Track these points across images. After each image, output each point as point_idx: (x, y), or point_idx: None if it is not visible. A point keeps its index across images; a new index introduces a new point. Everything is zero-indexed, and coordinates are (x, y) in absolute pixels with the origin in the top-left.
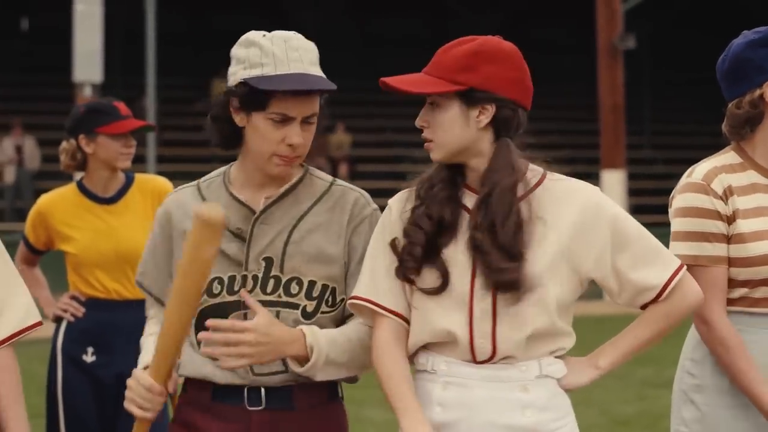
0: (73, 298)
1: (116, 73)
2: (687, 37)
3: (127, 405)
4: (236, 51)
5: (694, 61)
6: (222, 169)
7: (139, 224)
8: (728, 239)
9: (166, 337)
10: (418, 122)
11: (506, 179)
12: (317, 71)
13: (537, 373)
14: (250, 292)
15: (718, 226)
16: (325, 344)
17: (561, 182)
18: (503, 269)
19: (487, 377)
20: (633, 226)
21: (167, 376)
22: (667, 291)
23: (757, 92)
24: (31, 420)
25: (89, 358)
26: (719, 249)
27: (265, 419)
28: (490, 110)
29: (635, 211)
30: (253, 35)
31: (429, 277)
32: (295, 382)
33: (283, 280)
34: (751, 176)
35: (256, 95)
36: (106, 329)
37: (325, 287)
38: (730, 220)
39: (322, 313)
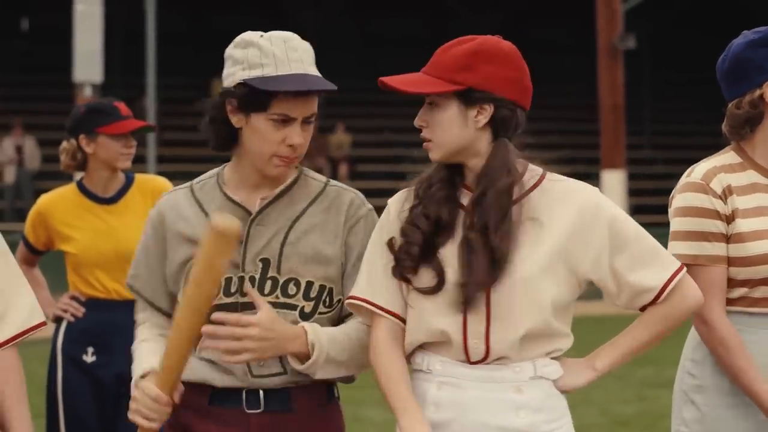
0: (73, 298)
1: (116, 73)
2: (687, 37)
3: (132, 416)
4: (233, 52)
5: (694, 61)
6: (215, 170)
7: (139, 224)
8: (727, 239)
9: (175, 345)
10: (416, 122)
11: (501, 180)
12: (316, 71)
13: (531, 374)
14: (235, 293)
15: (718, 226)
16: (326, 342)
17: (560, 183)
18: (479, 271)
19: (481, 378)
20: (632, 227)
21: (175, 386)
22: (665, 293)
23: (757, 92)
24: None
25: (89, 358)
26: (719, 248)
27: (264, 422)
28: (489, 110)
29: (635, 211)
30: (250, 36)
31: (425, 277)
32: (294, 384)
33: (281, 281)
34: (751, 176)
35: (258, 96)
36: (106, 329)
37: (322, 288)
38: (729, 219)
39: (320, 313)
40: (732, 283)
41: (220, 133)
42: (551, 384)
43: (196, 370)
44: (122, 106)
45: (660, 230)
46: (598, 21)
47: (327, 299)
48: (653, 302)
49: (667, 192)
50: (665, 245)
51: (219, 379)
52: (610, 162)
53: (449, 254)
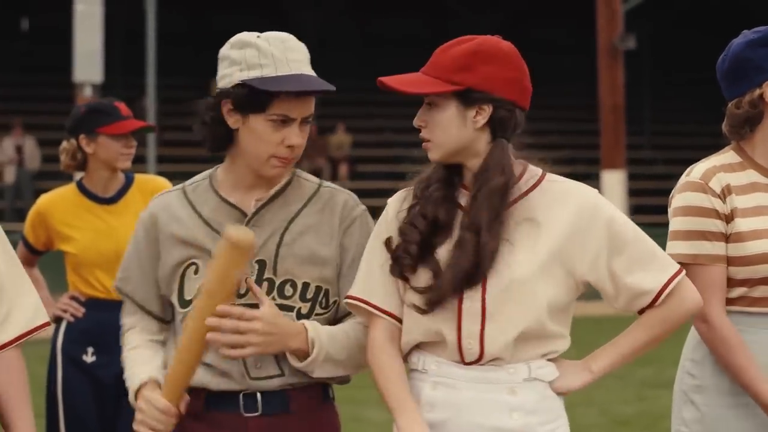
0: (73, 298)
1: (116, 73)
2: (687, 38)
3: (138, 427)
4: (229, 52)
5: (694, 62)
6: (207, 172)
7: None
8: (727, 238)
9: (184, 356)
10: (415, 122)
11: (495, 180)
12: (313, 72)
13: (526, 376)
14: (244, 295)
15: (717, 225)
16: (326, 340)
17: (559, 184)
18: (459, 272)
19: (475, 378)
20: (630, 229)
21: (182, 396)
22: (663, 296)
23: (757, 92)
24: None
25: (89, 358)
26: (718, 248)
27: (262, 425)
28: (487, 110)
29: (635, 211)
30: (246, 36)
31: (422, 277)
32: (291, 386)
33: (277, 283)
34: (751, 176)
35: (257, 96)
36: (106, 329)
37: (318, 289)
38: (728, 218)
39: (316, 315)
40: (731, 282)
41: (215, 134)
42: (546, 386)
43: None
44: (122, 107)
45: (660, 230)
46: (599, 21)
47: (323, 300)
48: (651, 305)
49: (667, 192)
50: (665, 246)
51: (215, 383)
52: (610, 162)
53: (446, 254)
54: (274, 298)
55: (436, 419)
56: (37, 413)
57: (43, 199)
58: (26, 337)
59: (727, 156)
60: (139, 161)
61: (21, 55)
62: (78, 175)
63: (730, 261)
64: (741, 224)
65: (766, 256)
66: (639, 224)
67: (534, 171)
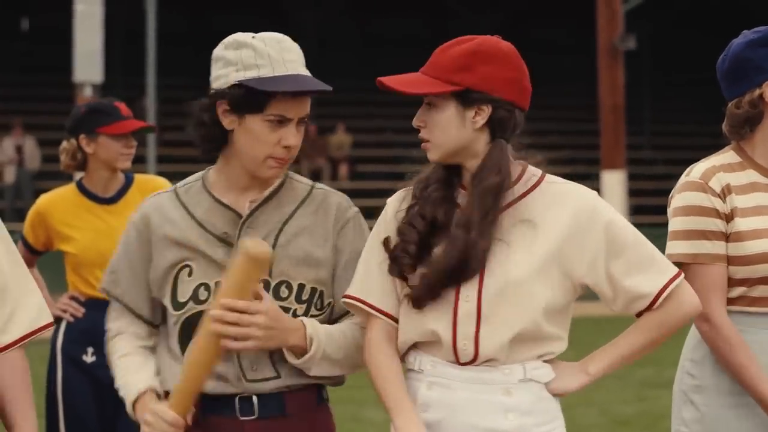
0: (73, 298)
1: (116, 73)
2: (687, 38)
3: None
4: (224, 53)
5: (695, 62)
6: (199, 173)
7: None
8: (726, 237)
9: (195, 369)
10: (414, 122)
11: (490, 179)
12: (308, 72)
13: (521, 377)
14: None
15: (717, 224)
16: (324, 338)
17: (558, 185)
18: (441, 272)
19: (470, 379)
20: (629, 232)
21: (190, 408)
22: (660, 299)
23: (757, 92)
24: None
25: (89, 358)
26: (719, 247)
27: (258, 428)
28: (487, 111)
29: (635, 211)
30: (241, 37)
31: (419, 276)
32: (287, 388)
33: (272, 284)
34: (751, 175)
35: (255, 97)
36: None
37: (313, 290)
38: (728, 218)
39: (311, 316)
40: (730, 282)
41: (210, 135)
42: (542, 387)
43: None
44: (123, 107)
45: (660, 231)
46: (599, 21)
47: (318, 302)
48: (648, 308)
49: (667, 192)
50: (666, 246)
51: (210, 386)
52: (610, 162)
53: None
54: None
55: (432, 419)
56: (37, 413)
57: (43, 199)
58: (30, 337)
59: (726, 156)
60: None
61: (21, 55)
62: (78, 175)
63: (730, 260)
64: (740, 224)
65: (766, 255)
66: (639, 224)
67: (533, 172)
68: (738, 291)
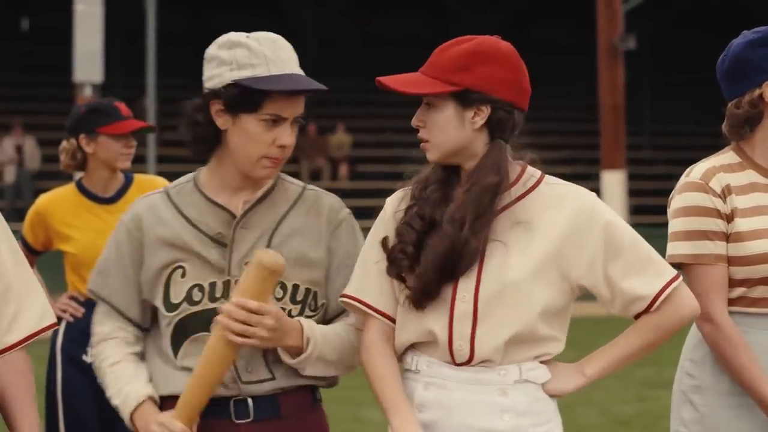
0: (72, 298)
1: (116, 73)
2: (687, 38)
3: None
4: (218, 52)
5: (695, 62)
6: (190, 174)
7: None
8: (727, 238)
9: (204, 378)
10: (413, 122)
11: (488, 179)
12: (302, 72)
13: (516, 378)
14: (219, 298)
15: (718, 224)
16: (320, 338)
17: (556, 186)
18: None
19: (466, 380)
20: (628, 234)
21: (197, 418)
22: (658, 302)
23: (757, 92)
24: None
25: (89, 358)
26: (720, 247)
27: (253, 430)
28: (486, 111)
29: (635, 211)
30: (235, 36)
31: (415, 277)
32: (281, 390)
33: None
34: (750, 176)
35: (250, 96)
36: None
37: (308, 291)
38: (728, 218)
39: (306, 317)
40: (730, 282)
41: (203, 135)
42: (538, 387)
43: (177, 382)
44: (122, 107)
45: (660, 231)
46: (599, 21)
47: (312, 303)
48: (646, 311)
49: (667, 192)
50: (666, 246)
51: None
52: (610, 162)
53: None
54: None
55: (428, 420)
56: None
57: (43, 199)
58: (34, 337)
59: (726, 156)
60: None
61: (21, 55)
62: (78, 175)
63: (730, 261)
64: (741, 224)
65: (766, 256)
66: (639, 224)
67: (532, 173)
68: (738, 292)
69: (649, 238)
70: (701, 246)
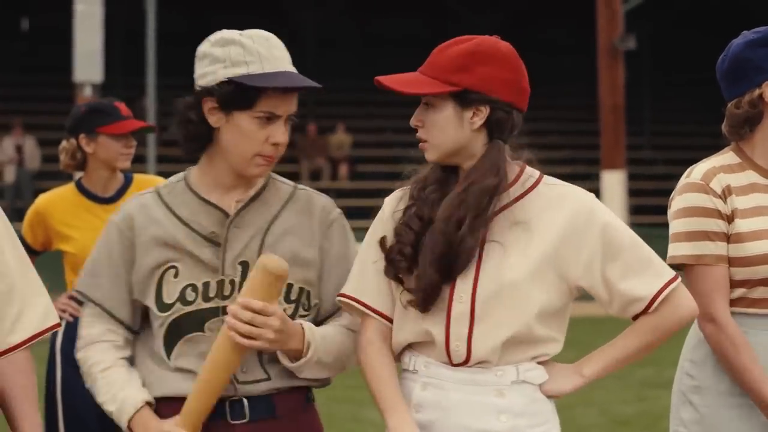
0: (72, 298)
1: (116, 73)
2: (687, 38)
3: None
4: (211, 50)
5: (695, 62)
6: (181, 174)
7: None
8: (727, 238)
9: (209, 384)
10: (412, 122)
11: (488, 180)
12: (295, 69)
13: (513, 379)
14: (229, 296)
15: (719, 225)
16: (320, 342)
17: (555, 187)
18: (432, 272)
19: (463, 380)
20: (626, 235)
21: (200, 427)
22: (656, 303)
23: (756, 92)
24: None
25: None
26: (721, 248)
27: (249, 431)
28: (484, 112)
29: (635, 211)
30: (228, 34)
31: (415, 279)
32: (276, 390)
33: None
34: (750, 176)
35: (244, 93)
36: None
37: (301, 290)
38: (729, 219)
39: (299, 317)
40: (731, 283)
41: (195, 133)
42: (536, 388)
43: (172, 383)
44: (122, 107)
45: (660, 231)
46: (599, 21)
47: (306, 302)
48: (645, 312)
49: (667, 192)
50: (666, 246)
51: None
52: (610, 162)
53: None
54: None
55: (425, 420)
56: None
57: (42, 199)
58: (38, 338)
59: (726, 157)
60: (139, 161)
61: (21, 55)
62: (77, 175)
63: (730, 262)
64: (741, 225)
65: (766, 257)
66: (639, 224)
67: (531, 173)
68: (738, 292)
69: (649, 239)
70: (702, 247)
